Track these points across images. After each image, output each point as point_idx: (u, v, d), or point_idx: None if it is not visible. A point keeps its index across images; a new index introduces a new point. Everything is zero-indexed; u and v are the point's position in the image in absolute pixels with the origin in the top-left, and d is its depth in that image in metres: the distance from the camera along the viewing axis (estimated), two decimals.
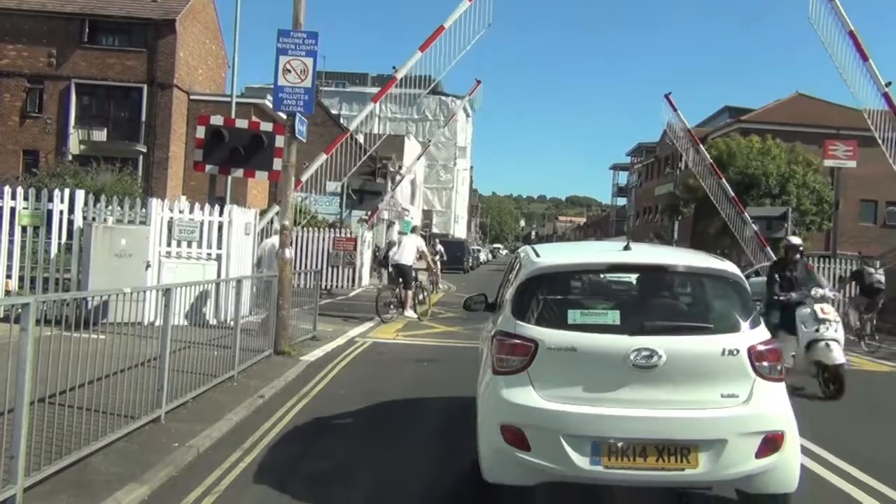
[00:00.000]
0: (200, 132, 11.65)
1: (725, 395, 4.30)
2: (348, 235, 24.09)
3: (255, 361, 9.25)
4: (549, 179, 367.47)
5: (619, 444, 4.21)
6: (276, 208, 15.72)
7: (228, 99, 24.46)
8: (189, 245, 12.68)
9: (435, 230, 57.74)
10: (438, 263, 22.56)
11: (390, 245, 22.81)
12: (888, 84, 17.61)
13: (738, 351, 4.33)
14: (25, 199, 12.29)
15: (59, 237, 12.28)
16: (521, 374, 4.41)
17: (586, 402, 4.30)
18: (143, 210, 12.58)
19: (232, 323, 8.87)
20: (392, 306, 15.90)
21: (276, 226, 12.65)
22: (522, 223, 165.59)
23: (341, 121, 40.95)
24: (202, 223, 12.77)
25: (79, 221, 12.33)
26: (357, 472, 5.62)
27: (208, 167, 11.77)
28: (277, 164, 11.40)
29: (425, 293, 17.41)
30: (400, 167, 38.65)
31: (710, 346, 4.36)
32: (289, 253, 10.73)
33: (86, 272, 11.52)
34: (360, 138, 24.75)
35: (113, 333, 5.88)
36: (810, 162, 34.00)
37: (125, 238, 11.77)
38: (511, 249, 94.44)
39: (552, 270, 4.91)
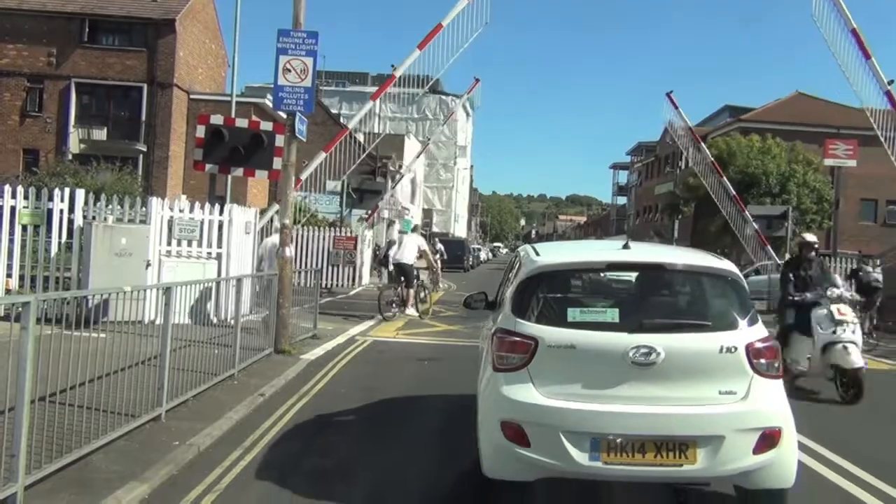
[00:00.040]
0: (200, 131, 11.65)
1: (723, 391, 4.34)
2: (348, 234, 24.10)
3: (256, 360, 9.26)
4: (550, 178, 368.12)
5: (618, 441, 4.25)
6: (276, 207, 15.74)
7: (228, 98, 24.45)
8: (189, 244, 12.69)
9: (435, 229, 57.75)
10: (439, 262, 22.58)
11: (390, 244, 22.83)
12: (890, 82, 17.60)
13: (735, 348, 4.37)
14: (26, 198, 12.30)
15: (60, 236, 12.28)
16: (521, 371, 4.45)
17: (586, 398, 4.34)
18: (144, 209, 12.59)
19: (232, 321, 8.88)
20: (394, 305, 15.94)
21: (277, 224, 12.65)
22: (523, 222, 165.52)
23: (341, 120, 40.90)
24: (202, 222, 12.78)
25: (79, 220, 12.33)
26: (358, 471, 5.62)
27: (208, 166, 11.77)
28: (277, 163, 11.40)
29: (426, 291, 17.43)
30: (400, 166, 38.65)
31: (709, 344, 4.40)
32: (289, 252, 10.73)
33: (86, 271, 11.53)
34: (360, 137, 24.77)
35: (113, 332, 5.89)
36: (810, 161, 34.01)
37: (125, 237, 11.77)
38: (511, 248, 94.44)
39: (552, 269, 4.95)
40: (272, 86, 10.74)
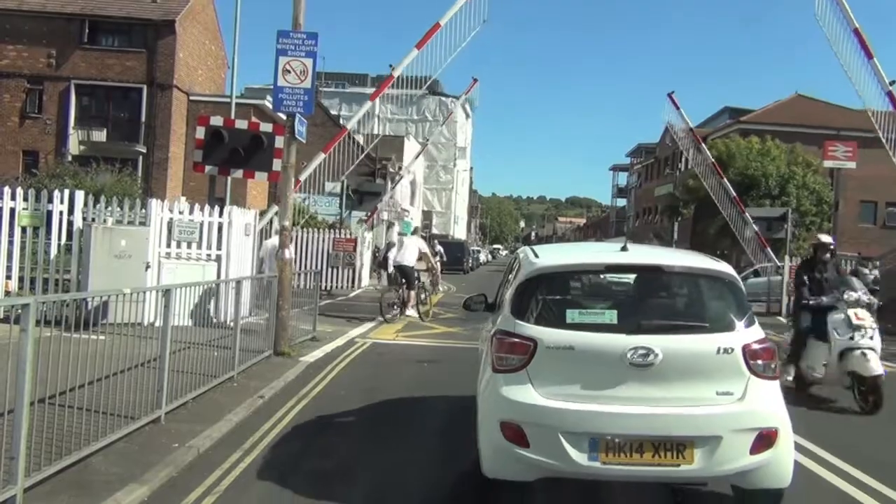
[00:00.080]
0: (200, 133, 11.65)
1: (720, 392, 4.39)
2: (348, 236, 24.09)
3: (255, 362, 9.25)
4: (549, 180, 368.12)
5: (617, 441, 4.30)
6: (276, 208, 15.74)
7: (228, 99, 24.43)
8: (189, 246, 12.69)
9: (435, 231, 57.72)
10: (438, 264, 22.60)
11: (389, 246, 22.83)
12: (892, 83, 17.61)
13: (732, 349, 4.42)
14: (25, 199, 12.29)
15: (59, 238, 12.27)
16: (520, 372, 4.50)
17: (584, 399, 4.38)
18: (143, 211, 12.58)
19: (232, 323, 8.88)
20: (395, 307, 15.97)
21: (277, 226, 12.65)
22: (522, 224, 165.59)
23: (341, 121, 40.90)
24: (202, 224, 12.78)
25: (78, 222, 12.33)
26: (358, 472, 5.62)
27: (208, 168, 11.77)
28: (277, 164, 11.40)
29: (426, 293, 17.45)
30: (400, 168, 38.65)
31: (706, 345, 4.46)
32: (288, 253, 10.73)
33: (85, 273, 11.52)
34: (360, 139, 24.77)
35: (113, 334, 5.89)
36: (810, 163, 34.03)
37: (125, 239, 11.77)
38: (511, 250, 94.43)
39: (551, 271, 5.00)
40: (272, 87, 10.74)
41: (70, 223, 12.36)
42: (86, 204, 12.52)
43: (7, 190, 12.29)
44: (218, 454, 5.84)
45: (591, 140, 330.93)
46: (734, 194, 26.43)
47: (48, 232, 12.21)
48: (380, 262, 24.79)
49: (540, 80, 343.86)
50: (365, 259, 26.12)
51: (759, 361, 4.46)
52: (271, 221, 16.77)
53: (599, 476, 4.46)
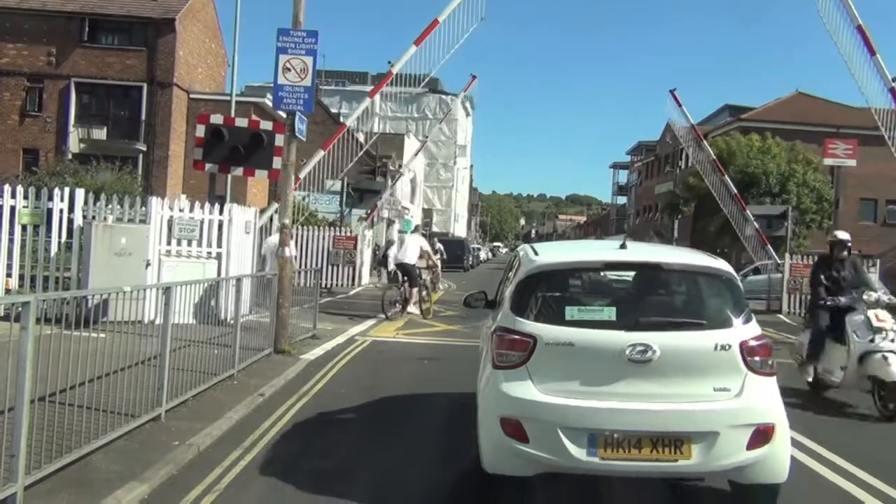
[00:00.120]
0: (200, 131, 11.64)
1: (718, 388, 4.44)
2: (348, 234, 24.09)
3: (256, 360, 9.26)
4: (550, 178, 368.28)
5: (615, 436, 4.35)
6: (276, 206, 15.74)
7: (228, 97, 24.43)
8: (189, 243, 12.69)
9: (435, 229, 57.71)
10: (439, 262, 22.61)
11: (389, 244, 22.82)
12: (895, 79, 17.59)
13: (730, 346, 4.47)
14: (25, 197, 12.29)
15: (59, 236, 12.27)
16: (520, 368, 4.55)
17: (583, 395, 4.43)
18: (143, 209, 12.58)
19: (232, 321, 8.88)
20: (397, 304, 16.01)
21: (277, 224, 12.66)
22: (522, 222, 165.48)
23: (341, 119, 40.92)
24: (202, 222, 12.78)
25: (79, 220, 12.33)
26: (358, 470, 5.63)
27: (208, 166, 11.77)
28: (277, 162, 11.39)
29: (426, 291, 17.46)
30: (400, 166, 38.64)
31: (703, 342, 4.50)
32: (289, 251, 10.72)
33: (86, 271, 11.52)
34: (360, 136, 24.76)
35: (113, 332, 5.89)
36: (810, 160, 34.01)
37: (125, 237, 11.76)
38: (511, 248, 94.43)
39: (550, 268, 5.04)
40: (272, 85, 10.73)
41: (70, 221, 12.36)
42: (86, 202, 12.52)
43: (7, 188, 12.29)
44: (218, 452, 5.84)
45: (591, 138, 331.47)
46: (735, 191, 26.42)
47: (48, 230, 12.22)
48: (380, 261, 24.81)
49: (540, 80, 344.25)
50: (365, 257, 26.11)
51: (757, 358, 4.51)
52: (271, 219, 16.78)
53: (598, 471, 4.50)
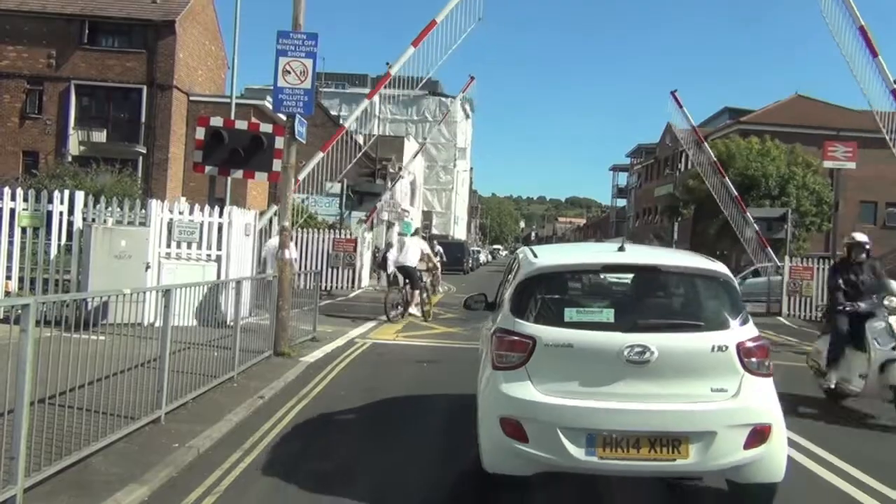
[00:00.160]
0: (200, 133, 11.66)
1: (715, 389, 4.50)
2: (348, 236, 24.10)
3: (255, 362, 9.25)
4: (549, 180, 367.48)
5: (614, 436, 4.40)
6: (275, 208, 15.74)
7: (228, 100, 24.45)
8: (189, 246, 12.69)
9: (435, 231, 57.70)
10: (438, 265, 22.63)
11: (388, 246, 22.82)
12: None
13: (727, 347, 4.53)
14: (25, 200, 12.30)
15: (59, 238, 12.27)
16: (519, 369, 4.60)
17: (582, 395, 4.49)
18: (143, 211, 12.59)
19: (232, 324, 8.88)
20: (398, 306, 16.07)
21: (277, 226, 12.66)
22: (522, 224, 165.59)
23: (341, 122, 40.94)
24: (202, 224, 12.78)
25: (78, 223, 12.33)
26: (358, 472, 5.63)
27: (208, 168, 11.78)
28: (277, 165, 11.41)
29: (426, 294, 17.49)
30: (400, 168, 38.66)
31: (701, 343, 4.56)
32: (289, 253, 10.72)
33: (85, 273, 11.53)
34: (360, 139, 24.77)
35: (113, 334, 5.89)
36: (810, 163, 34.05)
37: (125, 239, 11.77)
38: (510, 250, 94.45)
39: (549, 270, 5.10)
40: (272, 87, 10.74)
41: (70, 223, 12.36)
42: (86, 204, 12.53)
43: (7, 190, 12.29)
44: (218, 454, 5.84)
45: (591, 140, 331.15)
46: (735, 193, 26.43)
47: (48, 232, 12.22)
48: (379, 263, 24.80)
49: (540, 80, 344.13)
50: (365, 259, 26.13)
51: (753, 359, 4.56)
52: (271, 221, 16.79)
53: (597, 471, 4.56)
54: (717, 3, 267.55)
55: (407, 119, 63.16)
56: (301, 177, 16.78)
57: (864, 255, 8.72)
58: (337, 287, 23.16)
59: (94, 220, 12.24)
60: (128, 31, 31.47)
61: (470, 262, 48.85)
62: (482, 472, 4.75)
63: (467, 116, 74.43)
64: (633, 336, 4.47)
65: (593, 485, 5.05)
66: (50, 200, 12.34)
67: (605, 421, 4.41)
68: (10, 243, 12.17)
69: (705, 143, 28.12)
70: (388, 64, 18.75)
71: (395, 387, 8.92)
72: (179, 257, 12.56)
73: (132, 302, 6.30)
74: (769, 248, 25.18)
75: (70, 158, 28.73)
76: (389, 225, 35.75)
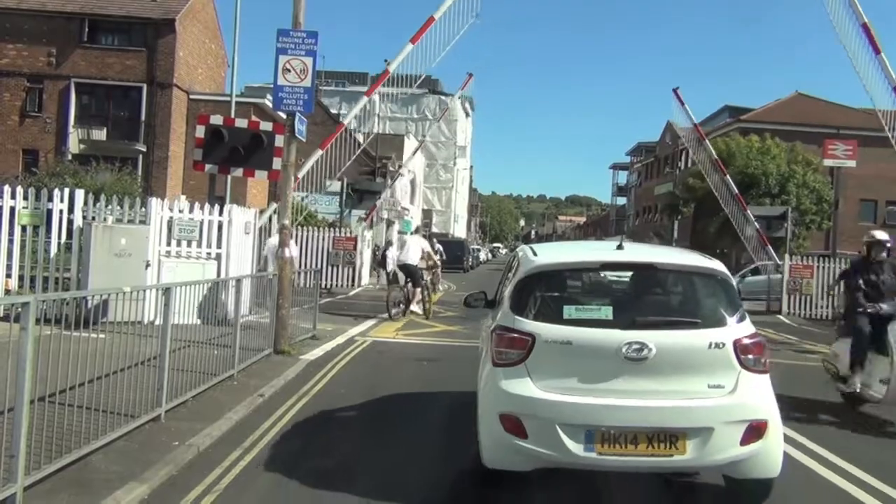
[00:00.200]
0: (200, 131, 11.66)
1: (712, 385, 4.55)
2: (348, 235, 24.10)
3: (255, 360, 9.26)
4: (549, 179, 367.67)
5: (612, 432, 4.46)
6: (275, 206, 15.76)
7: (228, 98, 24.45)
8: (189, 244, 12.69)
9: (435, 229, 57.69)
10: (439, 263, 22.65)
11: (387, 245, 22.80)
12: None
13: (724, 344, 4.58)
14: (25, 198, 12.30)
15: (59, 236, 12.28)
16: (519, 366, 4.66)
17: (581, 392, 4.54)
18: (143, 209, 12.59)
19: (232, 321, 8.88)
20: (400, 304, 16.13)
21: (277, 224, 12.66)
22: (522, 223, 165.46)
23: (340, 120, 40.89)
24: (202, 222, 12.78)
25: (78, 221, 12.33)
26: (358, 470, 5.62)
27: (208, 166, 11.78)
28: (277, 163, 11.40)
29: (427, 292, 17.52)
30: (399, 166, 38.65)
31: (698, 340, 4.61)
32: (289, 252, 10.72)
33: (85, 271, 11.53)
34: (360, 137, 24.79)
35: (113, 332, 5.89)
36: (810, 161, 34.06)
37: (125, 237, 11.77)
38: (510, 249, 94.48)
39: (548, 268, 5.16)
40: (272, 86, 10.74)
41: (70, 222, 12.36)
42: (86, 202, 12.52)
43: (7, 188, 12.30)
44: (218, 452, 5.84)
45: (591, 139, 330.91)
46: (736, 191, 26.41)
47: (48, 230, 12.22)
48: (378, 262, 24.79)
49: (540, 80, 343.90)
50: (365, 258, 26.12)
51: (750, 356, 4.61)
52: (270, 219, 16.80)
53: (595, 466, 4.61)
54: (717, 3, 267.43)
55: (407, 117, 63.12)
56: (300, 175, 16.79)
57: (884, 254, 8.36)
58: (337, 285, 23.16)
59: (94, 218, 12.24)
60: (128, 29, 31.45)
61: (470, 260, 48.87)
62: (482, 469, 4.80)
63: (467, 115, 74.38)
64: (632, 333, 4.53)
65: (592, 481, 5.09)
66: (50, 199, 12.34)
67: (603, 417, 4.46)
68: (10, 241, 12.17)
69: (706, 141, 28.10)
70: (386, 61, 18.76)
71: (396, 385, 8.92)
72: (179, 255, 12.56)
73: (132, 300, 6.30)
74: (769, 247, 25.18)
75: (70, 157, 28.73)
76: (389, 223, 35.71)
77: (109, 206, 12.52)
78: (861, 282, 8.21)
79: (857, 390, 7.96)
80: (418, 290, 16.35)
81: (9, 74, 30.50)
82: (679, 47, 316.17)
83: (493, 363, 4.80)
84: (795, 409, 7.77)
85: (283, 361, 9.76)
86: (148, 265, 11.88)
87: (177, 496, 4.88)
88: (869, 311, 7.98)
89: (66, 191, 12.75)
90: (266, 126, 12.25)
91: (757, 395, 4.58)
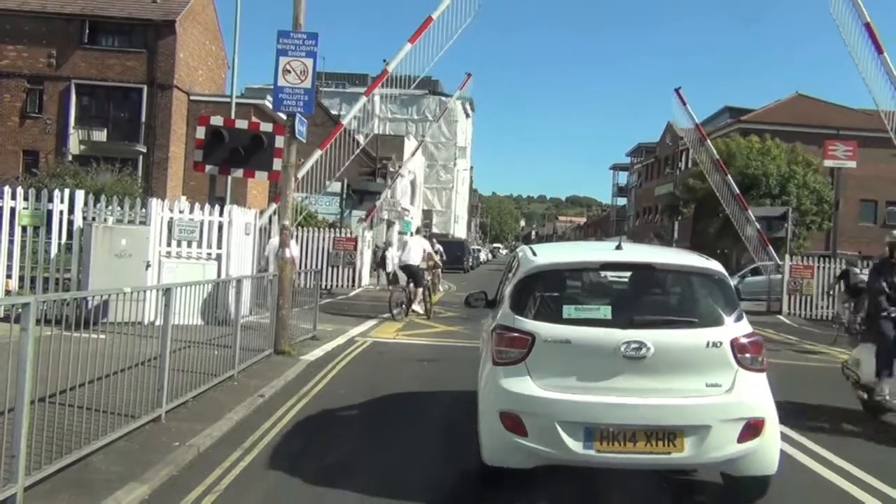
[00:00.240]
0: (200, 132, 11.67)
1: (710, 384, 4.60)
2: (348, 235, 24.12)
3: (256, 361, 9.26)
4: (550, 179, 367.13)
5: (611, 430, 4.51)
6: (274, 206, 15.76)
7: (228, 99, 24.46)
8: (189, 245, 12.70)
9: (435, 230, 57.65)
10: (440, 263, 22.68)
11: (386, 245, 22.82)
12: None
13: (721, 343, 4.63)
14: (25, 199, 12.30)
15: (59, 237, 12.29)
16: (519, 364, 4.71)
17: (580, 390, 4.60)
18: (143, 210, 12.60)
19: (232, 321, 8.88)
20: (403, 305, 16.18)
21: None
22: (522, 223, 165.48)
23: (340, 121, 40.87)
24: (202, 223, 12.79)
25: (79, 221, 12.34)
26: (358, 471, 5.62)
27: (208, 167, 11.79)
28: (277, 164, 11.42)
29: (427, 292, 17.54)
30: (400, 167, 38.67)
31: (696, 339, 4.66)
32: (289, 252, 10.73)
33: (86, 272, 11.54)
34: (361, 138, 24.80)
35: (113, 333, 5.89)
36: (810, 162, 34.07)
37: (125, 238, 11.78)
38: (511, 249, 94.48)
39: (548, 268, 5.21)
40: (272, 87, 10.75)
41: (70, 222, 12.37)
42: (86, 203, 12.53)
43: (7, 189, 12.30)
44: (218, 453, 5.84)
45: (591, 139, 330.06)
46: (737, 191, 26.43)
47: (48, 231, 12.23)
48: (378, 262, 24.80)
49: (540, 80, 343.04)
50: (365, 258, 26.14)
51: (747, 355, 4.66)
52: (270, 219, 16.81)
53: (594, 464, 4.67)
54: (717, 3, 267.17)
55: (407, 118, 63.15)
56: (300, 175, 16.81)
57: None
58: (337, 286, 23.18)
59: (94, 218, 12.25)
60: (128, 30, 31.48)
61: (470, 260, 48.86)
62: (482, 467, 4.84)
63: (467, 115, 74.39)
64: (630, 332, 4.57)
65: (590, 478, 5.13)
66: (50, 199, 12.35)
67: (602, 415, 4.51)
68: (11, 242, 12.18)
69: (708, 141, 28.11)
70: (385, 61, 18.78)
71: (396, 385, 8.92)
72: (180, 256, 12.56)
73: (132, 301, 6.31)
74: (770, 247, 25.19)
75: (70, 157, 28.74)
76: (389, 224, 35.73)
77: (110, 207, 12.52)
78: (884, 284, 7.75)
79: (886, 397, 7.54)
80: (420, 290, 16.40)
81: (9, 76, 30.51)
82: (679, 47, 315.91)
83: (494, 362, 4.85)
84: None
85: (283, 362, 9.76)
86: (148, 266, 11.89)
87: (177, 497, 4.88)
88: (893, 315, 7.56)
89: (67, 191, 12.75)
90: (266, 127, 12.26)
91: (754, 393, 4.63)
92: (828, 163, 24.06)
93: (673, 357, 4.60)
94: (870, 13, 18.12)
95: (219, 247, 12.86)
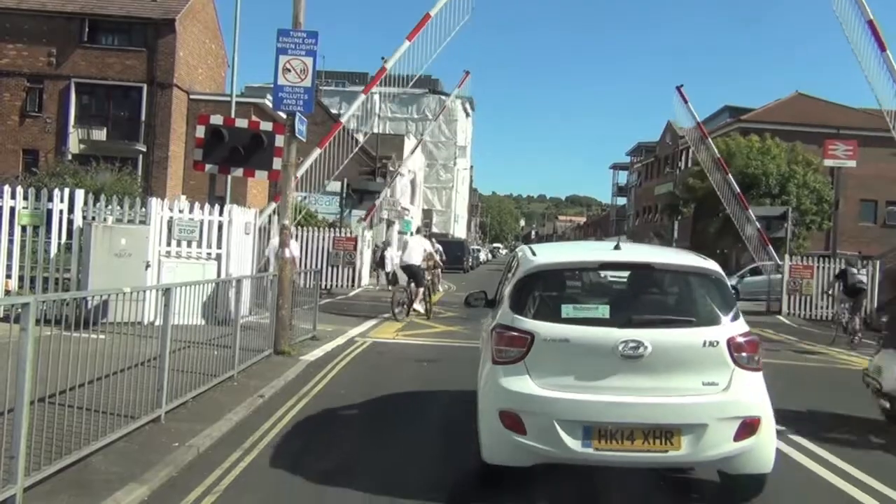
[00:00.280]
0: (200, 131, 11.66)
1: (706, 383, 4.65)
2: (348, 235, 24.11)
3: (255, 361, 9.25)
4: (549, 179, 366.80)
5: (609, 428, 4.55)
6: (274, 205, 15.75)
7: (228, 98, 24.44)
8: (189, 244, 12.69)
9: (435, 229, 57.66)
10: (441, 263, 22.68)
11: (386, 245, 22.81)
12: None
13: (717, 342, 4.67)
14: (25, 198, 12.29)
15: (59, 237, 12.27)
16: (518, 363, 4.75)
17: (578, 389, 4.64)
18: (143, 209, 12.58)
19: (232, 321, 8.88)
20: (404, 305, 16.19)
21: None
22: (522, 223, 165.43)
23: (339, 119, 40.79)
24: (202, 223, 12.78)
25: (78, 221, 12.33)
26: (358, 471, 5.62)
27: (208, 166, 11.78)
28: (277, 163, 11.41)
29: (428, 292, 17.55)
30: (399, 166, 38.66)
31: (693, 338, 4.70)
32: (289, 252, 10.72)
33: (85, 272, 11.52)
34: (360, 137, 24.78)
35: (113, 333, 5.89)
36: (810, 161, 34.06)
37: (125, 238, 11.77)
38: (510, 249, 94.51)
39: (547, 268, 5.26)
40: (272, 86, 10.74)
41: (70, 222, 12.36)
42: (86, 203, 12.52)
43: (7, 189, 12.29)
44: (218, 453, 5.84)
45: (591, 139, 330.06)
46: (738, 190, 26.43)
47: (48, 231, 12.22)
48: (377, 262, 24.78)
49: (540, 80, 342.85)
50: (365, 258, 26.14)
51: (743, 354, 4.71)
52: (270, 218, 16.80)
53: (592, 462, 4.71)
54: (717, 3, 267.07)
55: (407, 117, 63.16)
56: (299, 174, 16.80)
57: None
58: (337, 286, 23.17)
59: (94, 218, 12.24)
60: (128, 29, 31.44)
61: (470, 260, 48.83)
62: (481, 467, 4.89)
63: (467, 115, 74.39)
64: (628, 332, 4.61)
65: (589, 477, 5.17)
66: (50, 199, 12.34)
67: (600, 414, 4.55)
68: (10, 242, 12.16)
69: (709, 139, 28.10)
70: (383, 59, 18.77)
71: (396, 385, 8.92)
72: (179, 256, 12.55)
73: (132, 300, 6.30)
74: (770, 247, 25.19)
75: (70, 157, 28.71)
76: (389, 223, 35.71)
77: (109, 207, 12.51)
78: None
79: None
80: (421, 289, 16.42)
81: (9, 74, 30.47)
82: (679, 47, 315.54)
83: (493, 361, 4.88)
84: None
85: (283, 362, 9.76)
86: (148, 265, 11.88)
87: (177, 497, 4.88)
88: None
89: (66, 191, 12.74)
90: (266, 126, 12.25)
91: (750, 392, 4.67)
92: (828, 162, 24.06)
93: (670, 356, 4.64)
94: (873, 10, 18.14)
95: (219, 246, 12.85)
